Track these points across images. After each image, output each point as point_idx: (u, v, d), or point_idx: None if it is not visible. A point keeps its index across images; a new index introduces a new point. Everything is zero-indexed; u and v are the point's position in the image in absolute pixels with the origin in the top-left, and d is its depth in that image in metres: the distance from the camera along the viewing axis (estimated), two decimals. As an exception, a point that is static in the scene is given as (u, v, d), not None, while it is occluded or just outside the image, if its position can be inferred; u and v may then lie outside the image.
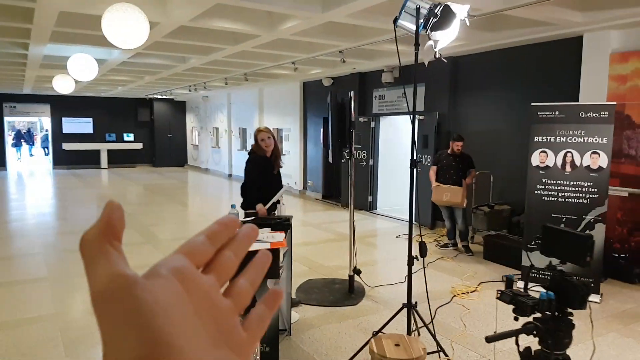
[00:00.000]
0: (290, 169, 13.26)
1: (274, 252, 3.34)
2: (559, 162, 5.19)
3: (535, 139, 5.31)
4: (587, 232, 5.05)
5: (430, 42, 3.40)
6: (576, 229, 5.11)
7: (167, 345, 0.27)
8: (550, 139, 5.23)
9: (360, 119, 10.15)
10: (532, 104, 5.35)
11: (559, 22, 5.80)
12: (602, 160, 4.96)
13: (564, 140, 5.15)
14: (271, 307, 0.37)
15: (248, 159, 4.60)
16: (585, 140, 5.04)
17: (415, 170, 3.61)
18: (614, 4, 5.54)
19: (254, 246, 0.39)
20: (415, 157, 3.55)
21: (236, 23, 6.30)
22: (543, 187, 5.29)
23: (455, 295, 5.19)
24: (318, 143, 12.11)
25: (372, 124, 10.12)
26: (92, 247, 0.31)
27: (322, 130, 11.80)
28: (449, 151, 6.92)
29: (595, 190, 5.00)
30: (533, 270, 5.36)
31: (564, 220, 5.17)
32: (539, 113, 5.27)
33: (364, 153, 10.15)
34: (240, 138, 16.52)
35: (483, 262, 6.48)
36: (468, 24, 3.96)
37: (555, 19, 5.67)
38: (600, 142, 4.97)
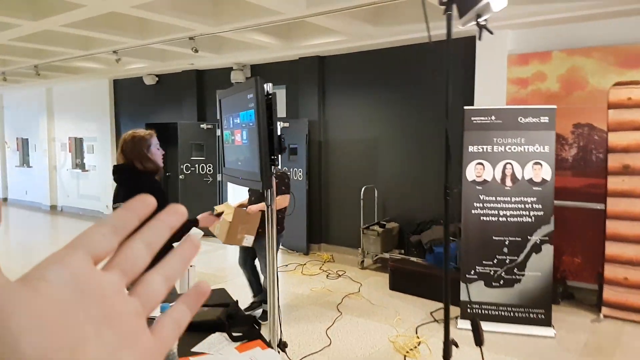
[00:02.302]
0: (98, 190, 10.50)
1: None
2: (498, 176, 4.45)
3: (470, 148, 4.47)
4: (534, 254, 4.42)
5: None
6: (520, 253, 4.43)
7: None
8: (486, 148, 4.45)
9: (202, 125, 8.30)
10: (465, 107, 4.52)
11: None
12: (546, 172, 4.37)
13: (503, 149, 4.43)
14: (193, 307, 0.32)
15: (138, 181, 2.73)
16: (526, 150, 4.39)
17: (449, 199, 2.27)
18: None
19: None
20: (448, 181, 2.21)
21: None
22: (481, 205, 4.49)
23: (405, 355, 4.00)
24: (139, 156, 9.71)
25: (218, 132, 8.37)
26: None
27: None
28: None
29: (540, 206, 4.39)
30: (473, 305, 4.52)
31: (506, 242, 4.45)
32: (472, 118, 4.45)
33: (210, 167, 8.34)
34: (20, 151, 12.69)
35: (393, 295, 5.46)
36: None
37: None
38: (542, 151, 4.37)
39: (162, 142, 10.21)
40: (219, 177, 8.35)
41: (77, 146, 11.21)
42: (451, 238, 5.73)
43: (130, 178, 2.78)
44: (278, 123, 3.26)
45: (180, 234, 2.49)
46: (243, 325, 2.14)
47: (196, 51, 6.03)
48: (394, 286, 5.58)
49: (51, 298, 0.25)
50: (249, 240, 4.14)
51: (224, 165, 3.91)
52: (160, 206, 0.32)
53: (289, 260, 6.87)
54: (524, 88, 5.47)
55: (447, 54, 2.21)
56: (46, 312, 0.25)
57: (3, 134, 13.07)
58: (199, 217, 3.02)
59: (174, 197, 8.74)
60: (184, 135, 8.46)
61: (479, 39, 2.23)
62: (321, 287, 5.72)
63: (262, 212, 4.08)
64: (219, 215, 3.29)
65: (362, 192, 6.50)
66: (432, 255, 5.67)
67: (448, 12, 2.14)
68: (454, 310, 4.81)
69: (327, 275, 6.16)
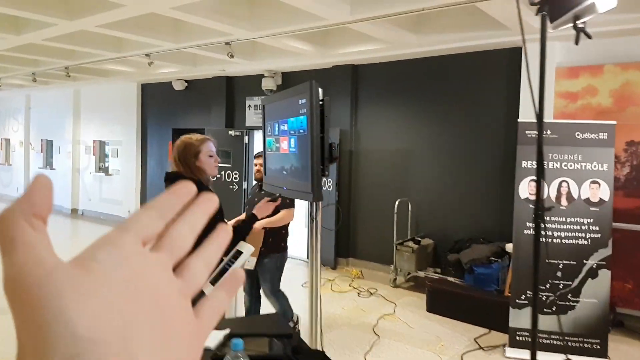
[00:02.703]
0: (121, 195, 10.40)
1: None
2: (553, 194, 4.17)
3: (523, 164, 4.21)
4: (590, 280, 4.12)
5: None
6: (575, 278, 4.14)
7: (89, 342, 0.24)
8: (541, 165, 4.18)
9: (230, 132, 8.15)
10: (519, 120, 4.27)
11: (510, 25, 4.88)
12: (604, 192, 4.09)
13: (558, 166, 4.15)
14: (231, 292, 0.34)
15: None
16: (583, 167, 4.11)
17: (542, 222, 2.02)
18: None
19: None
20: (541, 197, 1.96)
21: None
22: (534, 225, 4.19)
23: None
24: (164, 160, 9.59)
25: (246, 139, 8.22)
26: (8, 228, 0.26)
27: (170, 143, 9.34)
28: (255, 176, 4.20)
29: (597, 228, 4.09)
30: (522, 333, 4.22)
31: (560, 266, 4.15)
32: (527, 132, 4.18)
33: (236, 174, 8.16)
34: (44, 153, 12.69)
35: (431, 317, 5.17)
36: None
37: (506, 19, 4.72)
38: (600, 169, 4.09)
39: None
40: (244, 185, 8.16)
41: (101, 149, 11.15)
42: (493, 258, 5.50)
43: None
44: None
45: (245, 230, 2.25)
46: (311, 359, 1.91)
47: (232, 56, 5.88)
48: (432, 308, 5.29)
49: (103, 278, 0.26)
50: (250, 263, 3.83)
51: (265, 174, 3.71)
52: (215, 220, 0.33)
53: (317, 274, 6.62)
54: (573, 102, 5.20)
55: (543, 58, 1.97)
56: (98, 293, 0.25)
57: (28, 136, 13.10)
58: (254, 211, 2.81)
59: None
60: (210, 141, 8.30)
61: (576, 43, 1.99)
62: (353, 305, 5.46)
63: (265, 229, 3.83)
64: (275, 199, 3.03)
65: (395, 206, 6.24)
66: (472, 275, 5.38)
67: (542, 13, 1.90)
68: (502, 337, 4.53)
69: (359, 293, 5.89)
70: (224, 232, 0.35)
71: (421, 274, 5.90)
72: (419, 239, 6.15)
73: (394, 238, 6.20)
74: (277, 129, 3.41)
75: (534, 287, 2.17)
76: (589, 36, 1.96)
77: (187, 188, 0.33)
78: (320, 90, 2.85)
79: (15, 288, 0.25)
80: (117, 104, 10.44)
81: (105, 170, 11.02)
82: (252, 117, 8.26)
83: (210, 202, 0.34)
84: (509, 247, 5.43)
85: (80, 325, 0.24)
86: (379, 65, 6.67)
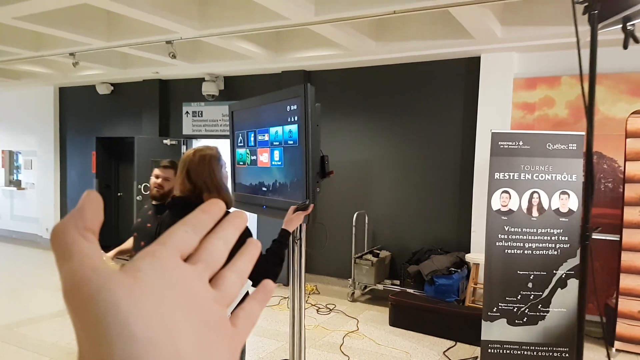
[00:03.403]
0: (37, 211, 9.31)
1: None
2: (524, 205, 4.13)
3: (496, 175, 4.13)
4: (559, 289, 4.11)
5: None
6: (545, 288, 4.11)
7: (143, 341, 0.25)
8: (513, 176, 4.13)
9: (165, 141, 7.52)
10: (492, 130, 4.18)
11: (475, 34, 4.86)
12: (572, 202, 4.10)
13: (530, 177, 4.12)
14: (262, 302, 0.36)
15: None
16: (553, 178, 4.11)
17: (587, 243, 1.82)
18: (514, 20, 4.90)
19: None
20: (588, 218, 1.78)
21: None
22: (506, 237, 4.13)
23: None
24: (88, 172, 8.68)
25: (183, 149, 7.63)
26: (63, 240, 0.29)
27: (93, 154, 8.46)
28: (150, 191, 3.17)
29: (566, 238, 4.10)
30: (494, 345, 4.13)
31: (531, 277, 4.11)
32: (499, 143, 4.12)
33: (173, 187, 7.53)
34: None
35: (395, 332, 4.97)
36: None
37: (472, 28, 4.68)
38: (569, 180, 4.10)
39: (114, 158, 9.22)
40: (184, 199, 7.56)
41: (11, 161, 9.93)
42: (453, 269, 5.42)
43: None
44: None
45: (282, 252, 1.82)
46: None
47: (174, 57, 5.35)
48: (395, 322, 5.10)
49: (148, 286, 0.28)
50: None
51: (234, 190, 3.30)
52: (245, 235, 0.34)
53: (268, 292, 6.21)
54: (530, 113, 5.27)
55: (594, 55, 1.80)
56: (146, 299, 0.27)
57: None
58: (285, 225, 2.23)
59: (129, 220, 7.83)
60: (141, 151, 7.62)
61: (625, 47, 1.84)
62: (315, 324, 5.13)
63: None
64: (306, 207, 2.38)
65: (354, 219, 6.01)
66: (433, 287, 5.27)
67: (592, 12, 1.73)
68: (469, 350, 4.44)
69: (318, 310, 5.58)
70: (254, 246, 0.37)
71: (380, 286, 5.71)
72: (377, 252, 5.96)
73: (353, 251, 5.96)
74: (251, 139, 3.02)
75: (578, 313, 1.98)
76: (637, 40, 1.82)
77: (218, 205, 0.34)
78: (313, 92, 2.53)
79: (75, 294, 0.27)
80: (31, 110, 9.33)
81: (16, 183, 9.82)
82: (189, 125, 7.69)
83: (240, 219, 0.35)
84: (470, 257, 5.40)
85: (136, 326, 0.25)
86: (333, 72, 6.43)
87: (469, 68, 5.59)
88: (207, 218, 0.33)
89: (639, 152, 4.43)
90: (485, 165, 5.43)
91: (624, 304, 4.58)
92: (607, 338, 4.76)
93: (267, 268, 2.08)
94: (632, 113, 4.51)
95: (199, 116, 7.58)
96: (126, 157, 8.39)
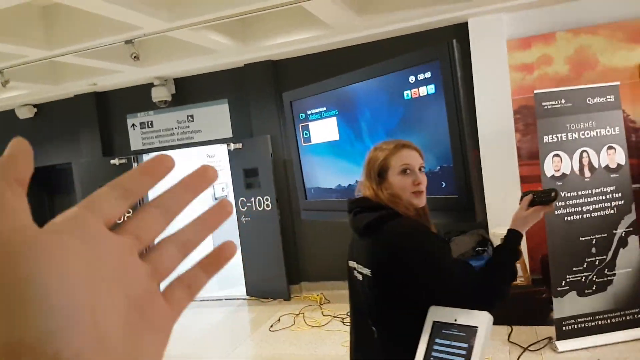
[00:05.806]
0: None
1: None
2: (576, 167, 3.87)
3: (545, 139, 3.83)
4: (621, 249, 3.92)
5: None
6: (608, 250, 3.90)
7: (64, 316, 0.22)
8: (561, 137, 3.85)
9: (112, 161, 6.45)
10: (535, 91, 3.85)
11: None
12: (619, 156, 3.92)
13: (577, 136, 3.87)
14: (210, 272, 0.30)
15: (425, 239, 1.48)
16: (599, 134, 3.89)
17: None
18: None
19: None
20: None
21: None
22: (564, 203, 3.85)
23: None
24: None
25: (135, 166, 6.57)
26: None
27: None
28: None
29: (620, 194, 3.91)
30: (568, 322, 3.85)
31: (594, 242, 3.88)
32: (543, 104, 3.81)
33: (130, 212, 6.48)
34: None
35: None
36: None
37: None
38: (613, 133, 3.91)
39: (48, 190, 7.80)
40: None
41: None
42: (480, 248, 5.11)
43: (409, 235, 1.46)
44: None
45: (514, 256, 1.21)
46: None
47: (137, 58, 4.43)
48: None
49: (70, 252, 0.24)
50: None
51: (306, 198, 2.63)
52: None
53: (270, 312, 5.51)
54: (530, 74, 5.07)
55: None
56: (70, 269, 0.24)
57: None
58: (514, 225, 1.59)
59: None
60: (84, 176, 6.53)
61: None
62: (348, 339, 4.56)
63: None
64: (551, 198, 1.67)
65: (361, 213, 5.49)
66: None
67: None
68: (532, 332, 4.14)
69: (342, 320, 5.01)
70: (220, 211, 0.30)
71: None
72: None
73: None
74: (350, 127, 2.38)
75: None
76: None
77: (161, 162, 0.29)
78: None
79: None
80: None
81: None
82: (138, 139, 6.66)
83: (201, 177, 0.29)
84: (495, 232, 5.11)
85: (57, 299, 0.23)
86: (302, 59, 5.81)
87: (457, 37, 5.27)
88: (144, 180, 0.28)
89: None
90: (490, 135, 5.18)
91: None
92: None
93: (491, 287, 1.50)
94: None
95: (148, 127, 6.58)
96: (64, 187, 7.13)
